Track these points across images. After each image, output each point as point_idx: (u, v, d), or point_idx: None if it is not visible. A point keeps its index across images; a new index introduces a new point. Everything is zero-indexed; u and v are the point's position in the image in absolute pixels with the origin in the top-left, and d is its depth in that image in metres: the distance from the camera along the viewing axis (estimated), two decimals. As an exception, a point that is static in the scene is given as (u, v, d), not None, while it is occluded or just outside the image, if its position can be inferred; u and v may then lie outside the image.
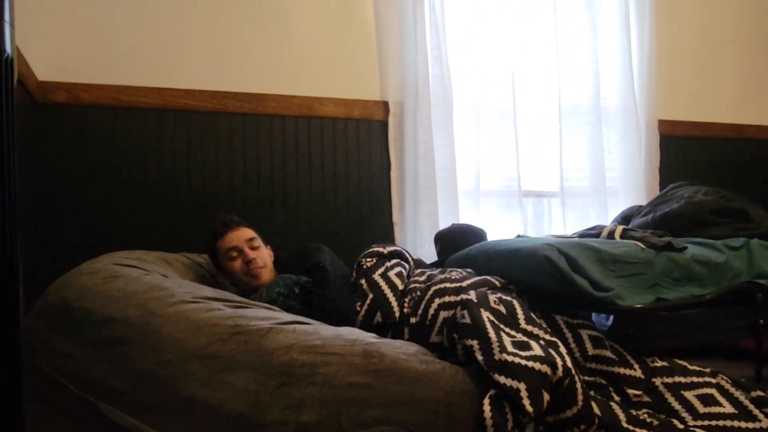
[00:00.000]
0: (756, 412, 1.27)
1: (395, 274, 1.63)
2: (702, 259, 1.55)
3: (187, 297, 1.28)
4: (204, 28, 2.23)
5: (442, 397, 1.16)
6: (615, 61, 2.82)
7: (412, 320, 1.48)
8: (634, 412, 1.26)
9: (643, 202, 2.43)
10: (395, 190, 2.43)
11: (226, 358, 1.15)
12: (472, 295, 1.40)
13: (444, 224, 2.37)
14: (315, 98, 2.35)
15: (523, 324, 1.35)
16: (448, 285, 1.50)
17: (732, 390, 1.32)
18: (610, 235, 1.73)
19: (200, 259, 1.91)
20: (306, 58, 2.37)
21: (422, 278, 1.62)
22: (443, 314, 1.42)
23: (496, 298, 1.41)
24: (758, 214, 1.86)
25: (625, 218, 2.20)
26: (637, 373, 1.36)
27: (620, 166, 2.81)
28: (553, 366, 1.16)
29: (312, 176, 2.34)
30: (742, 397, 1.30)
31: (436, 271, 1.67)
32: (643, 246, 1.54)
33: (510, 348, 1.21)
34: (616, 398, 1.32)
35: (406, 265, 1.74)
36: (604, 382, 1.36)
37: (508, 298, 1.43)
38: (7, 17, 0.80)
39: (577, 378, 1.18)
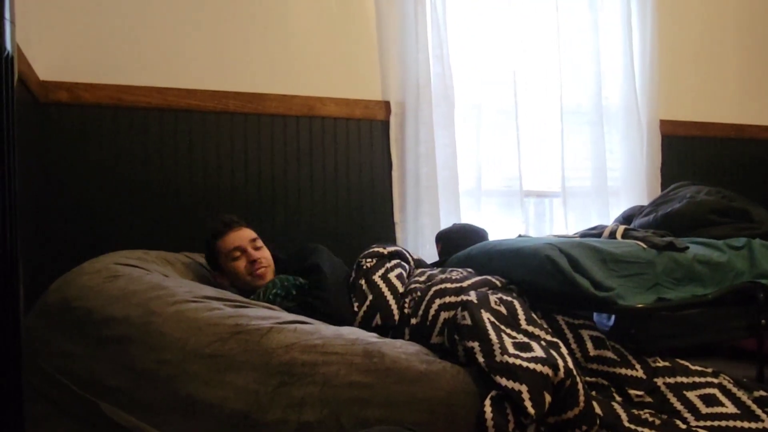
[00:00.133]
0: (759, 412, 1.26)
1: (395, 276, 1.63)
2: (704, 259, 1.55)
3: (188, 296, 1.28)
4: (205, 29, 2.23)
5: (443, 397, 1.15)
6: (617, 61, 2.82)
7: (413, 321, 1.48)
8: (636, 412, 1.26)
9: (645, 202, 2.43)
10: (396, 190, 2.43)
11: (227, 358, 1.15)
12: (472, 296, 1.40)
13: (445, 224, 2.37)
14: (316, 98, 2.35)
15: (524, 325, 1.35)
16: (448, 285, 1.49)
17: (734, 390, 1.32)
18: (612, 234, 1.72)
19: (201, 259, 1.91)
20: (307, 58, 2.36)
21: (422, 278, 1.61)
22: (444, 315, 1.42)
23: (497, 298, 1.41)
24: (760, 214, 1.86)
25: (627, 218, 2.20)
26: (639, 373, 1.35)
27: (622, 165, 2.81)
28: (555, 367, 1.15)
29: (313, 176, 2.34)
30: (744, 397, 1.30)
31: (436, 271, 1.67)
32: (645, 246, 1.54)
33: (511, 349, 1.21)
34: (618, 399, 1.32)
35: (407, 266, 1.74)
36: (605, 382, 1.35)
37: (509, 299, 1.43)
38: (7, 15, 0.80)
39: (578, 379, 1.18)
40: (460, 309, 1.37)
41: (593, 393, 1.30)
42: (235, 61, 2.26)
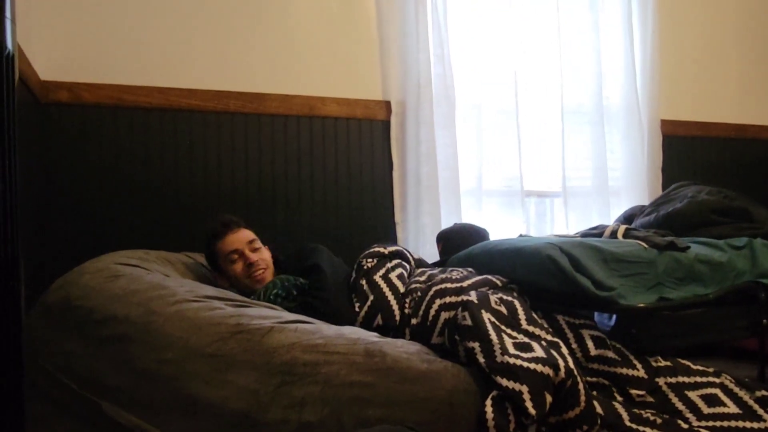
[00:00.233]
0: (761, 412, 1.26)
1: (396, 276, 1.63)
2: (705, 258, 1.55)
3: (189, 296, 1.28)
4: (206, 28, 2.23)
5: (444, 397, 1.15)
6: (617, 61, 2.81)
7: (413, 321, 1.47)
8: (637, 411, 1.26)
9: (646, 202, 2.43)
10: (397, 190, 2.43)
11: (228, 357, 1.15)
12: (473, 296, 1.40)
13: (446, 224, 2.37)
14: (317, 98, 2.35)
15: (524, 325, 1.35)
16: (448, 285, 1.49)
17: (736, 390, 1.32)
18: (613, 234, 1.72)
19: (202, 259, 1.90)
20: (308, 57, 2.36)
21: (423, 278, 1.61)
22: (444, 315, 1.42)
23: (497, 298, 1.41)
24: (761, 214, 1.86)
25: (628, 218, 2.19)
26: (640, 373, 1.35)
27: (623, 165, 2.80)
28: (556, 367, 1.15)
29: (314, 176, 2.34)
30: (746, 397, 1.29)
31: (436, 271, 1.67)
32: (646, 245, 1.54)
33: (512, 350, 1.21)
34: (619, 399, 1.32)
35: (407, 266, 1.74)
36: (606, 382, 1.35)
37: (509, 299, 1.43)
38: (8, 13, 0.80)
39: (579, 379, 1.18)
40: (460, 309, 1.37)
41: (594, 393, 1.30)
42: (235, 60, 2.26)
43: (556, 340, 1.31)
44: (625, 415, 1.23)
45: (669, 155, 2.88)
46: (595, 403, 1.21)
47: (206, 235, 1.77)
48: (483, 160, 2.59)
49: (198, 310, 1.24)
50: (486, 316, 1.31)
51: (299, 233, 2.29)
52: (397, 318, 1.50)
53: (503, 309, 1.37)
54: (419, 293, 1.53)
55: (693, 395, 1.31)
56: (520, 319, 1.36)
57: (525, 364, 1.15)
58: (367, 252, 1.73)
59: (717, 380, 1.35)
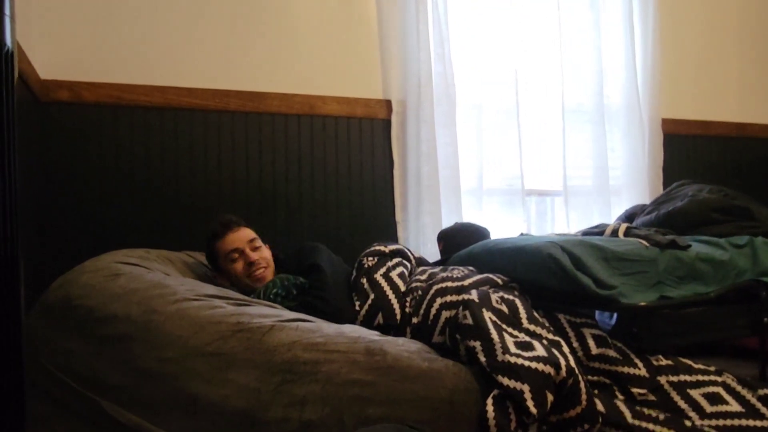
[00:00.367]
0: (764, 410, 1.26)
1: (397, 275, 1.62)
2: (706, 257, 1.54)
3: (189, 294, 1.28)
4: (206, 27, 2.22)
5: (445, 395, 1.15)
6: (618, 60, 2.81)
7: (414, 320, 1.47)
8: (639, 408, 1.25)
9: (647, 201, 2.43)
10: (398, 189, 2.43)
11: (229, 356, 1.15)
12: (473, 295, 1.40)
13: (447, 223, 2.36)
14: (317, 97, 2.35)
15: (525, 323, 1.35)
16: (449, 284, 1.49)
17: (738, 388, 1.31)
18: (614, 233, 1.72)
19: (202, 258, 1.90)
20: (308, 56, 2.36)
21: (424, 277, 1.61)
22: (445, 314, 1.41)
23: (498, 297, 1.40)
24: (762, 212, 1.85)
25: (629, 217, 2.19)
26: (642, 371, 1.35)
27: (624, 164, 2.80)
28: (557, 366, 1.15)
29: (314, 175, 2.34)
30: (749, 396, 1.29)
31: (437, 270, 1.66)
32: (647, 244, 1.54)
33: (513, 349, 1.20)
34: (621, 397, 1.31)
35: (408, 264, 1.73)
36: (608, 381, 1.35)
37: (511, 297, 1.43)
38: (7, 10, 0.79)
39: (580, 377, 1.18)
40: (461, 308, 1.36)
41: (595, 392, 1.29)
42: (236, 59, 2.26)
43: (557, 338, 1.31)
44: (627, 413, 1.23)
45: (670, 154, 2.88)
46: (597, 401, 1.21)
47: (207, 235, 1.77)
48: (484, 158, 2.59)
49: (198, 308, 1.23)
50: (487, 314, 1.31)
51: (299, 232, 2.28)
52: (398, 317, 1.50)
53: (504, 308, 1.37)
54: (420, 292, 1.53)
55: (695, 394, 1.31)
56: (521, 318, 1.36)
57: (526, 363, 1.15)
58: (367, 251, 1.73)
59: (719, 379, 1.35)
